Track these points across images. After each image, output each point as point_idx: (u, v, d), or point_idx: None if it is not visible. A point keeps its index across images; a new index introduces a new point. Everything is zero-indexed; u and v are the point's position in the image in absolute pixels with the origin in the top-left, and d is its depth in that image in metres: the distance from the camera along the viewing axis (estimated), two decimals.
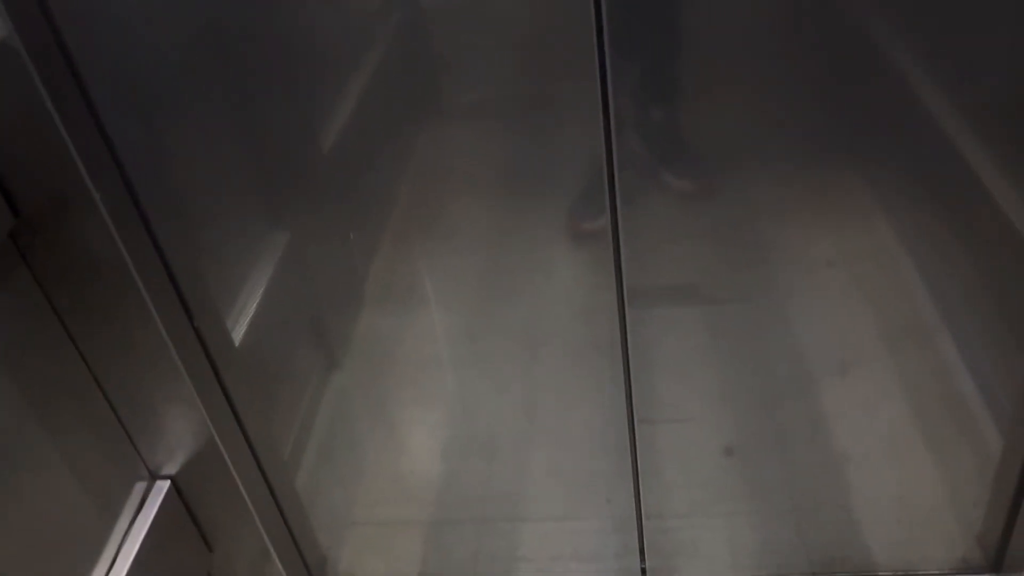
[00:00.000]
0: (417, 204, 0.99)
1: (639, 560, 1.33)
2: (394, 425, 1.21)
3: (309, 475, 1.27)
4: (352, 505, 1.31)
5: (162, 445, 1.11)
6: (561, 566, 1.35)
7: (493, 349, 1.11)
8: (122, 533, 1.09)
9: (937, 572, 1.29)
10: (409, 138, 0.93)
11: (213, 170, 0.98)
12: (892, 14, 0.82)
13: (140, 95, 0.90)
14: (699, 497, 1.24)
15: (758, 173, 0.94)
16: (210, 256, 1.03)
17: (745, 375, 1.11)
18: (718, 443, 1.18)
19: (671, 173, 0.94)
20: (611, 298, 1.04)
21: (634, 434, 1.17)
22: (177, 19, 0.87)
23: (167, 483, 1.14)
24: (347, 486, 1.28)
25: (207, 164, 0.97)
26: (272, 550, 1.24)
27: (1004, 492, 1.18)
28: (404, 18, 0.87)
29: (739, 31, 0.85)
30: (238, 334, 1.10)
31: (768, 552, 1.30)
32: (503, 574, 1.37)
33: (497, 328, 1.09)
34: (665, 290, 1.04)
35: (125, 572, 1.05)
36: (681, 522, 1.27)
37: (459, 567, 1.37)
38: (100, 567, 1.05)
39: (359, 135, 0.93)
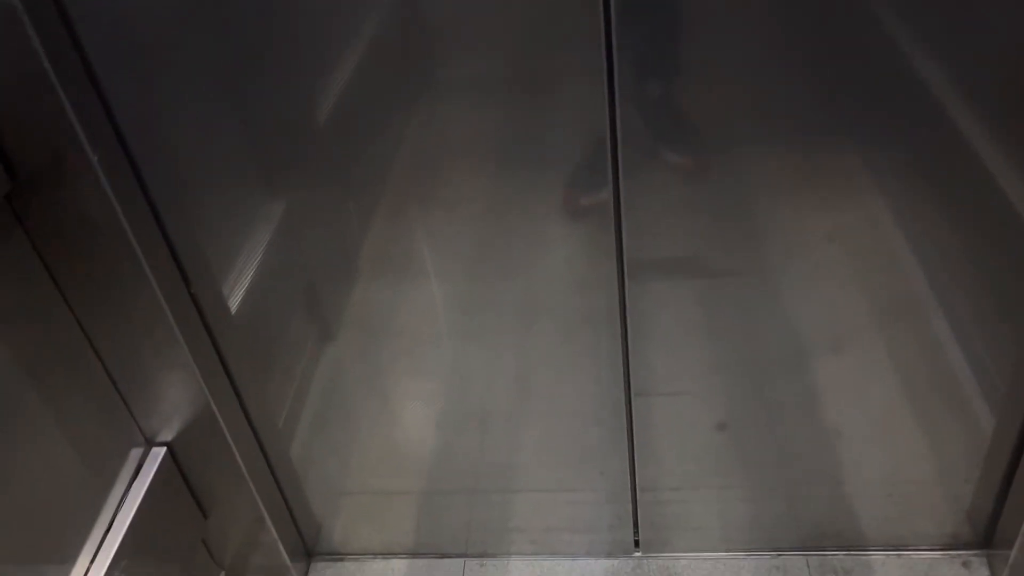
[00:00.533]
0: (414, 176, 0.98)
1: (632, 532, 1.34)
2: (389, 396, 1.21)
3: (304, 444, 1.27)
4: (346, 475, 1.31)
5: (158, 412, 1.11)
6: (554, 537, 1.36)
7: (489, 321, 1.12)
8: (118, 499, 1.09)
9: (927, 548, 1.31)
10: (407, 110, 0.93)
11: (210, 138, 0.97)
12: None
13: (138, 58, 0.90)
14: (693, 471, 1.25)
15: (756, 151, 0.94)
16: (207, 223, 1.03)
17: (741, 349, 1.11)
18: (712, 417, 1.19)
19: (670, 150, 0.94)
20: (609, 271, 1.04)
21: (630, 407, 1.17)
22: None
23: (163, 450, 1.14)
24: (341, 455, 1.29)
25: (204, 132, 0.97)
26: (267, 517, 1.25)
27: (995, 469, 1.19)
28: None
29: (740, 10, 0.84)
30: (234, 302, 1.10)
31: (760, 527, 1.32)
32: (496, 545, 1.38)
33: (493, 300, 1.09)
34: (664, 264, 1.04)
35: (120, 538, 1.05)
36: (674, 495, 1.28)
37: (452, 537, 1.38)
38: (96, 532, 1.05)
39: (356, 106, 0.93)
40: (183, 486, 1.19)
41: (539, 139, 0.94)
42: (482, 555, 1.39)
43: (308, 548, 1.41)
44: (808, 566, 1.31)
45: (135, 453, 1.13)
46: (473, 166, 0.98)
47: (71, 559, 1.01)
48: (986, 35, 0.84)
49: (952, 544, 1.30)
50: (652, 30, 0.86)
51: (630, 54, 0.86)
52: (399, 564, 1.39)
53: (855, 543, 1.32)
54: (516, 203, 1.00)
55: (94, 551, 1.04)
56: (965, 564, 1.29)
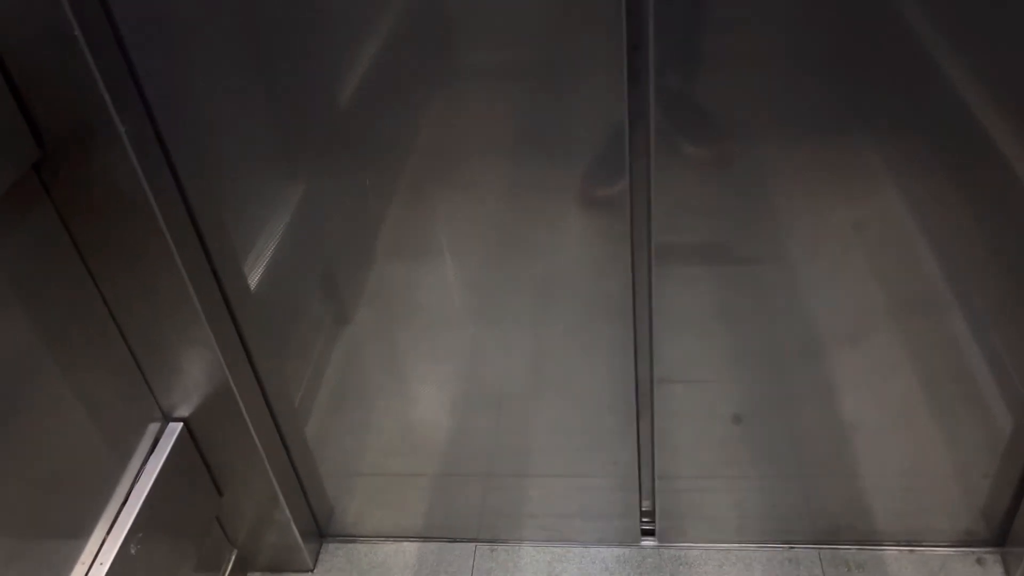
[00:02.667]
0: (434, 159, 0.98)
1: (645, 521, 1.34)
2: (404, 377, 1.21)
3: (319, 424, 1.27)
4: (360, 456, 1.32)
5: (177, 387, 1.11)
6: (566, 524, 1.36)
7: (505, 305, 1.11)
8: (134, 474, 1.09)
9: (941, 544, 1.30)
10: (429, 94, 0.92)
11: (235, 116, 0.97)
12: None
13: (167, 31, 0.89)
14: (708, 461, 1.25)
15: (776, 144, 0.93)
16: (230, 199, 1.03)
17: (760, 339, 1.11)
18: (729, 407, 1.19)
19: (689, 142, 0.94)
20: (625, 259, 1.04)
21: (652, 394, 1.17)
22: None
23: (180, 426, 1.14)
24: (356, 436, 1.29)
25: (230, 109, 0.96)
26: (281, 497, 1.25)
27: (1012, 467, 1.19)
28: None
29: (762, 1, 0.84)
30: (254, 280, 1.10)
31: (773, 519, 1.31)
32: (508, 530, 1.38)
33: (510, 285, 1.09)
34: (685, 252, 1.04)
35: (136, 512, 1.05)
36: (688, 485, 1.28)
37: (464, 522, 1.38)
38: (112, 506, 1.05)
39: (380, 89, 0.92)
40: (199, 462, 1.19)
41: (558, 127, 0.94)
42: (493, 540, 1.39)
43: (321, 529, 1.41)
44: (821, 560, 1.31)
45: (152, 428, 1.13)
46: (493, 151, 0.97)
47: (86, 532, 1.01)
48: (1010, 28, 0.83)
49: (966, 541, 1.30)
50: (676, 21, 0.85)
51: (657, 45, 0.86)
52: (410, 547, 1.39)
53: (868, 537, 1.31)
54: (535, 189, 1.00)
55: (109, 524, 1.04)
56: (979, 561, 1.29)
